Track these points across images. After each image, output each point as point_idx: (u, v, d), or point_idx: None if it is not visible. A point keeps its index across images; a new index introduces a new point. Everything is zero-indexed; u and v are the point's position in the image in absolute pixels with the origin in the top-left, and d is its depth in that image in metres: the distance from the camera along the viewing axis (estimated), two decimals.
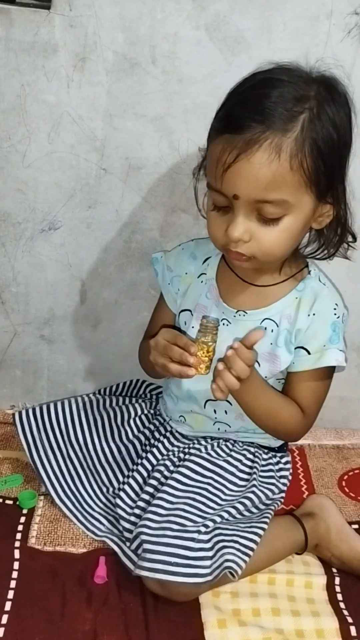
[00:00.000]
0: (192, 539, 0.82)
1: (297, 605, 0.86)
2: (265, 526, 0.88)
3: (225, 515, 0.88)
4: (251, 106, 0.75)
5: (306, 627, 0.83)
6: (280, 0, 0.89)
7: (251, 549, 0.84)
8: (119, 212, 1.03)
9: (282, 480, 0.98)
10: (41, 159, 0.99)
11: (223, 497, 0.91)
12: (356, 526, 1.00)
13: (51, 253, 1.06)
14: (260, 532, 0.87)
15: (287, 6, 0.89)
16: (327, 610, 0.86)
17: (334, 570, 0.92)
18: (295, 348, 0.88)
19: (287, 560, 0.92)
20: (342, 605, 0.87)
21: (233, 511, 0.89)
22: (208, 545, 0.82)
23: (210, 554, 0.82)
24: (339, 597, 0.88)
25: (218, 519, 0.86)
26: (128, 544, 0.87)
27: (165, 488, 0.90)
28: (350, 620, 0.84)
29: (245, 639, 0.80)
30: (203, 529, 0.84)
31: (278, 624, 0.83)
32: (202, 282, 0.92)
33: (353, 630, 0.83)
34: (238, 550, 0.83)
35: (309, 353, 0.86)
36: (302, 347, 0.87)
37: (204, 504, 0.88)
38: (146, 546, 0.81)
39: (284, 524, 0.93)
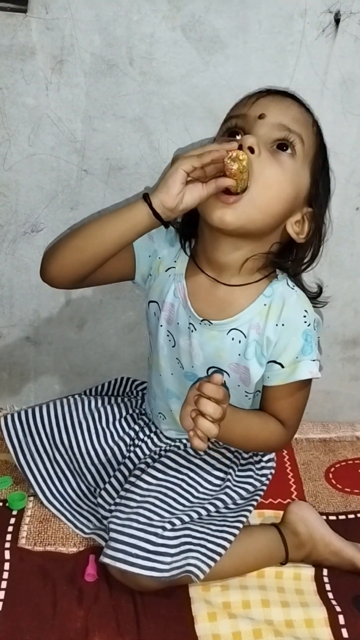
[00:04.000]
0: (156, 534, 0.82)
1: (286, 597, 0.87)
2: (237, 532, 0.87)
3: (195, 515, 0.88)
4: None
5: (295, 617, 0.84)
6: None
7: (219, 554, 0.84)
8: (101, 213, 1.04)
9: (261, 479, 0.98)
10: (22, 161, 0.99)
11: (196, 494, 0.91)
12: (343, 517, 1.02)
13: (34, 255, 1.07)
14: (231, 537, 0.86)
15: (262, 5, 0.91)
16: (316, 600, 0.87)
17: None
18: (269, 362, 0.86)
19: None
20: (330, 595, 0.88)
21: (203, 512, 0.89)
22: (172, 543, 0.83)
23: (172, 551, 0.82)
24: (327, 587, 0.89)
25: (186, 518, 0.86)
26: None
27: (139, 482, 0.90)
28: (338, 609, 0.85)
29: (236, 631, 0.81)
30: (169, 526, 0.84)
31: (268, 615, 0.84)
32: (169, 276, 0.90)
33: (341, 619, 0.84)
34: (204, 555, 0.84)
35: (282, 367, 0.85)
36: (275, 361, 0.85)
37: (174, 500, 0.88)
38: (112, 535, 0.83)
39: (262, 540, 0.91)
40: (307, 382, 0.88)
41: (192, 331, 0.88)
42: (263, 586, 0.88)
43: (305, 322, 0.85)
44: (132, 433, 1.00)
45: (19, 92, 0.95)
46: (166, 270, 0.90)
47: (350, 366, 1.20)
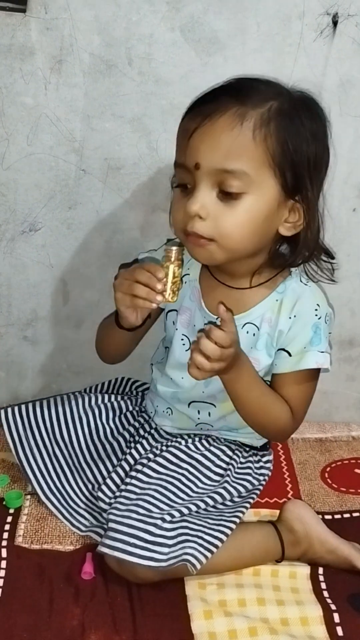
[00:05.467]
0: (155, 525, 0.83)
1: (281, 595, 0.87)
2: (233, 525, 0.88)
3: (193, 507, 0.89)
4: (226, 86, 0.80)
5: (291, 615, 0.84)
6: (253, 1, 0.91)
7: (215, 546, 0.85)
8: (99, 213, 1.04)
9: (259, 478, 0.99)
10: (20, 160, 1.00)
11: (195, 489, 0.92)
12: (339, 516, 1.02)
13: (32, 254, 1.07)
14: (228, 531, 0.87)
15: (260, 7, 0.91)
16: (311, 598, 0.87)
17: None
18: (278, 350, 0.88)
19: None
20: (325, 593, 0.89)
21: (201, 505, 0.90)
22: (170, 534, 0.84)
23: (170, 542, 0.83)
24: (323, 585, 0.90)
25: (185, 511, 0.87)
26: None
27: (140, 475, 0.91)
28: (333, 607, 0.86)
29: (232, 629, 0.81)
30: (168, 518, 0.85)
31: (263, 613, 0.84)
32: (185, 282, 0.92)
33: (336, 617, 0.84)
34: (201, 545, 0.84)
35: (290, 355, 0.87)
36: (284, 349, 0.87)
37: (174, 493, 0.89)
38: (111, 525, 0.83)
39: (259, 535, 0.92)
40: (314, 375, 0.89)
41: None
42: (259, 584, 0.88)
43: (317, 315, 0.86)
44: (131, 429, 1.00)
45: (17, 91, 0.95)
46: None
47: (347, 366, 1.20)
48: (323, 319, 0.87)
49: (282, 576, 0.91)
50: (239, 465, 0.98)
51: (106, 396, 1.05)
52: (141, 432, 1.00)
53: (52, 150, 0.99)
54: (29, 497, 0.99)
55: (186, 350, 0.92)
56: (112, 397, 1.05)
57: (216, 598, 0.86)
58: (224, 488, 0.93)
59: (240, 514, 0.91)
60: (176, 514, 0.86)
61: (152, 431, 1.00)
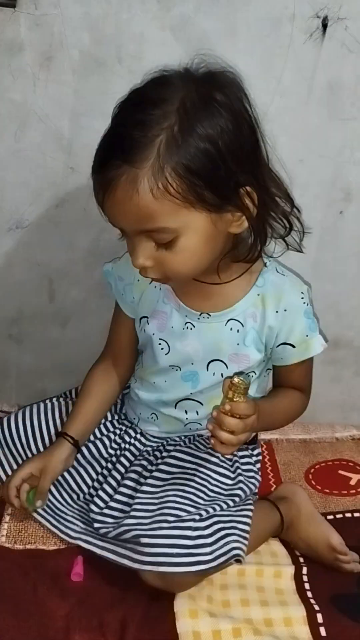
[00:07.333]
0: (190, 528, 0.83)
1: (265, 596, 0.88)
2: (251, 512, 0.91)
3: (218, 508, 0.88)
4: (108, 141, 0.74)
5: (274, 616, 0.84)
6: (244, 2, 0.91)
7: (248, 532, 0.87)
8: (87, 211, 1.03)
9: (258, 471, 1.00)
10: (7, 157, 0.99)
11: (210, 487, 0.91)
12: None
13: (19, 252, 1.06)
14: (251, 514, 0.90)
15: (250, 8, 0.91)
16: (295, 599, 0.88)
17: (302, 560, 0.94)
18: (279, 345, 0.89)
19: (255, 551, 0.94)
20: (309, 594, 0.89)
21: (229, 503, 0.90)
22: (206, 532, 0.83)
23: (209, 540, 0.83)
24: (306, 586, 0.90)
25: (211, 510, 0.87)
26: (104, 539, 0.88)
27: (150, 481, 0.90)
28: (316, 607, 0.86)
29: (216, 629, 0.81)
30: (198, 517, 0.85)
31: (247, 614, 0.84)
32: (155, 287, 0.90)
33: (319, 617, 0.85)
34: (239, 536, 0.86)
35: (294, 347, 0.89)
36: (286, 343, 0.89)
37: (194, 494, 0.88)
38: (144, 540, 0.81)
39: (263, 508, 0.96)
40: None
41: (190, 329, 0.89)
42: (243, 585, 0.89)
43: (304, 302, 0.89)
44: (112, 436, 0.99)
45: (5, 87, 0.94)
46: (151, 282, 0.89)
47: (331, 368, 1.21)
48: (309, 302, 0.90)
49: (266, 576, 0.91)
50: (241, 460, 0.98)
51: None
52: (126, 438, 0.99)
53: (40, 147, 0.98)
54: None
55: (166, 354, 0.91)
56: None
57: (202, 597, 0.86)
58: (241, 488, 0.94)
59: (252, 500, 0.94)
60: (204, 513, 0.86)
61: (138, 435, 0.99)
